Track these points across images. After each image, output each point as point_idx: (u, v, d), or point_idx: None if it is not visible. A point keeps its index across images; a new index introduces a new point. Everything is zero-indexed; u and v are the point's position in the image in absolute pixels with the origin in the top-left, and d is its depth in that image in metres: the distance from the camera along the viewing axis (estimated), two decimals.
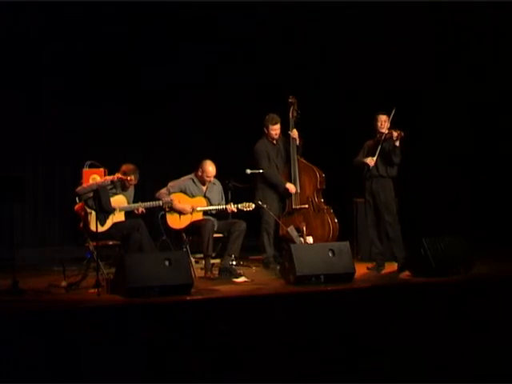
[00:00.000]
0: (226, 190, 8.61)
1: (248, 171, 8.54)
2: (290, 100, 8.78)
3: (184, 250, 8.07)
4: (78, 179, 8.45)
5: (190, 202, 8.22)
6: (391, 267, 8.28)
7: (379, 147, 8.23)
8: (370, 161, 8.28)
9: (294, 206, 8.64)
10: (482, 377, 5.60)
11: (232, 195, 8.70)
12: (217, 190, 8.44)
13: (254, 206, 8.22)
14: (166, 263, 6.90)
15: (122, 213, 7.84)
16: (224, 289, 7.37)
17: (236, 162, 9.07)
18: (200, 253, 8.19)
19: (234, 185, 8.76)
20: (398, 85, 10.13)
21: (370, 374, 5.73)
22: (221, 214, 8.32)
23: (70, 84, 10.04)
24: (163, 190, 8.22)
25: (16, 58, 9.77)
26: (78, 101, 10.11)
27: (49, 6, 9.48)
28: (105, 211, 7.56)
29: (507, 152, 10.13)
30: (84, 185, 7.92)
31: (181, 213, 8.16)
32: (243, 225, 8.13)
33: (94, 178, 8.21)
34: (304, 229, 8.38)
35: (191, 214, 8.17)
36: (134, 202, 7.96)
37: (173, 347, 5.79)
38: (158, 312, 6.33)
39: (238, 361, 5.75)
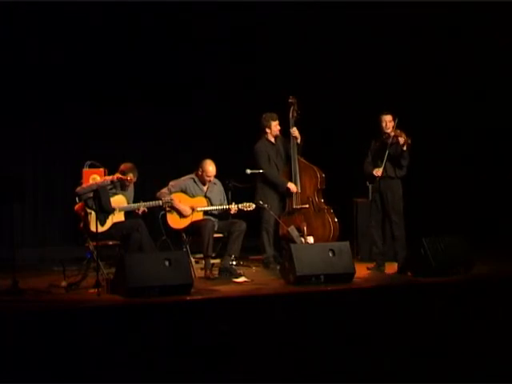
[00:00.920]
0: (226, 189, 8.60)
1: (248, 171, 8.55)
2: (290, 100, 8.78)
3: (184, 250, 8.07)
4: (78, 179, 8.44)
5: (191, 202, 8.22)
6: (391, 267, 8.27)
7: (386, 153, 8.22)
8: (377, 171, 8.28)
9: (294, 206, 8.64)
10: (482, 377, 5.60)
11: (232, 195, 8.70)
12: (218, 190, 8.44)
13: (254, 206, 8.22)
14: (166, 263, 6.90)
15: (122, 213, 7.84)
16: (224, 289, 7.37)
17: (236, 162, 9.07)
18: (200, 253, 8.19)
19: (234, 185, 8.76)
20: (398, 84, 10.12)
21: (370, 374, 5.73)
22: (222, 215, 8.32)
23: (69, 84, 10.02)
24: (164, 190, 8.23)
25: (16, 58, 9.76)
26: (78, 101, 10.10)
27: (49, 6, 9.48)
28: (105, 211, 7.56)
29: (507, 152, 10.13)
30: (84, 185, 7.92)
31: (181, 213, 8.17)
32: (243, 225, 8.13)
33: (94, 178, 8.21)
34: (304, 229, 8.38)
35: (191, 215, 8.17)
36: (134, 202, 7.96)
37: (173, 347, 5.79)
38: (158, 312, 6.33)
39: (238, 361, 5.75)
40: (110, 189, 7.76)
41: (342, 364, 5.85)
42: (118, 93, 10.24)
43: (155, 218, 8.28)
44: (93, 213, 7.53)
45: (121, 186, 7.87)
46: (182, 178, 8.39)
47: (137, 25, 10.16)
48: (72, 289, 7.23)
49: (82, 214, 7.69)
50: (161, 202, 8.01)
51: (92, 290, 7.01)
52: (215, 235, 8.16)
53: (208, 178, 8.26)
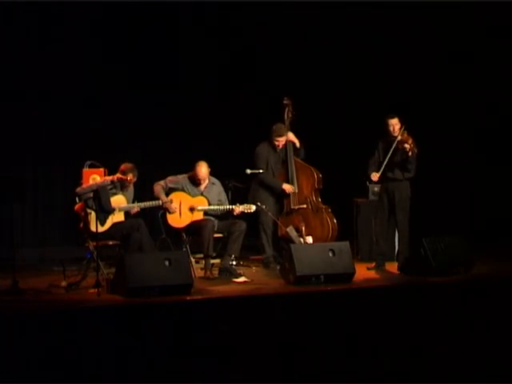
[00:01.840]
0: (226, 190, 8.61)
1: (248, 171, 8.55)
2: (284, 102, 8.78)
3: (184, 249, 8.07)
4: (78, 179, 8.44)
5: (192, 201, 8.22)
6: (391, 267, 8.28)
7: (387, 158, 8.22)
8: (374, 176, 8.29)
9: (292, 207, 8.63)
10: (482, 377, 5.60)
11: (232, 195, 8.70)
12: (216, 190, 8.43)
13: (254, 208, 8.21)
14: (166, 263, 6.90)
15: (122, 213, 7.84)
16: (224, 289, 7.38)
17: (236, 162, 9.07)
18: (200, 253, 8.19)
19: (234, 185, 8.76)
20: (397, 84, 10.12)
21: (370, 374, 5.73)
22: (224, 215, 8.31)
23: (69, 84, 10.02)
24: (161, 182, 8.23)
25: (16, 58, 9.76)
26: (78, 101, 10.10)
27: (48, 6, 9.48)
28: (105, 211, 7.57)
29: (507, 152, 10.12)
30: (84, 185, 7.92)
31: (181, 212, 8.17)
32: (243, 225, 8.13)
33: (94, 178, 8.21)
34: (303, 229, 8.38)
35: (192, 213, 8.17)
36: (134, 201, 7.97)
37: (173, 347, 5.79)
38: (158, 312, 6.33)
39: (238, 361, 5.75)
40: (110, 189, 7.76)
41: (342, 364, 5.85)
42: (118, 93, 10.24)
43: (155, 218, 8.28)
44: (93, 213, 7.53)
45: (121, 186, 7.87)
46: (179, 176, 8.37)
47: (137, 25, 10.16)
48: (72, 289, 7.23)
49: (82, 214, 7.69)
50: (160, 202, 8.02)
51: (92, 290, 7.01)
52: (215, 235, 8.16)
53: (199, 180, 8.25)
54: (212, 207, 8.23)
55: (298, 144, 8.72)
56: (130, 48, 10.27)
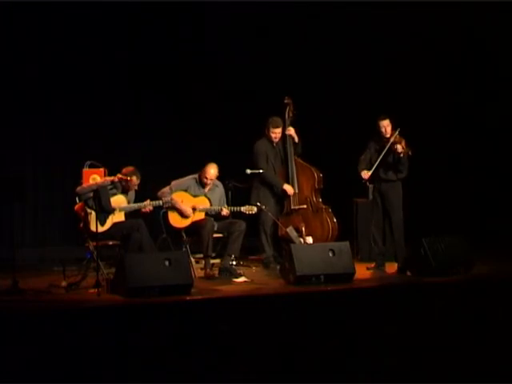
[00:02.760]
0: (226, 190, 8.61)
1: (248, 171, 8.55)
2: (285, 101, 8.78)
3: (184, 249, 8.07)
4: (78, 179, 8.44)
5: (193, 201, 8.22)
6: (391, 267, 8.28)
7: (379, 158, 8.22)
8: (365, 174, 8.30)
9: (292, 207, 8.63)
10: (482, 377, 5.60)
11: (232, 195, 8.70)
12: (218, 192, 8.44)
13: (255, 209, 8.21)
14: (166, 263, 6.90)
15: (122, 213, 7.84)
16: (224, 289, 7.38)
17: (236, 162, 9.06)
18: (200, 253, 8.19)
19: (234, 185, 8.77)
20: (397, 84, 10.12)
21: (370, 374, 5.73)
22: (215, 216, 8.31)
23: (69, 84, 10.02)
24: (165, 189, 8.24)
25: (16, 58, 9.76)
26: (78, 100, 10.09)
27: (48, 6, 9.47)
28: (105, 211, 7.57)
29: (507, 151, 10.12)
30: (84, 185, 7.91)
31: (182, 212, 8.17)
32: (243, 225, 8.13)
33: (94, 178, 8.20)
34: (303, 229, 8.38)
35: (192, 216, 8.17)
36: (135, 202, 7.96)
37: (173, 347, 5.79)
38: (158, 312, 6.33)
39: (238, 361, 5.75)
40: (111, 189, 7.76)
41: (342, 364, 5.85)
42: (118, 93, 10.24)
43: (155, 218, 8.28)
44: (93, 213, 7.53)
45: (123, 188, 7.86)
46: (184, 178, 8.39)
47: (137, 24, 10.15)
48: (72, 289, 7.23)
49: (82, 214, 7.69)
50: (161, 202, 8.02)
51: (92, 290, 7.01)
52: (215, 235, 8.17)
53: (206, 180, 8.26)
54: (210, 207, 8.23)
55: (296, 139, 8.72)
56: (131, 47, 10.27)
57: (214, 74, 10.58)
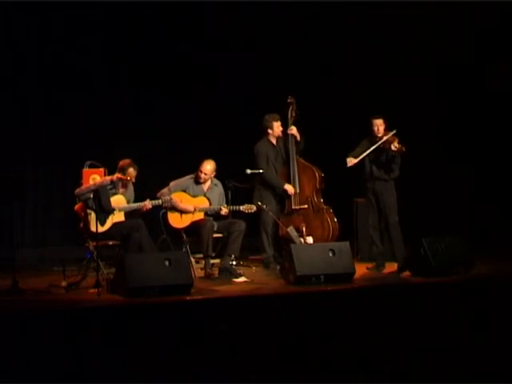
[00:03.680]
0: (226, 189, 8.61)
1: (248, 171, 8.55)
2: (288, 100, 8.78)
3: (184, 250, 8.07)
4: (78, 179, 8.44)
5: (192, 202, 8.23)
6: (391, 267, 8.27)
7: (368, 151, 8.22)
8: (350, 161, 8.28)
9: (293, 207, 8.63)
10: (482, 377, 5.60)
11: (232, 195, 8.70)
12: (217, 191, 8.44)
13: (255, 208, 8.21)
14: (166, 263, 6.90)
15: (122, 213, 7.84)
16: (224, 289, 7.38)
17: (236, 162, 9.06)
18: (200, 253, 8.19)
19: (234, 185, 8.76)
20: (396, 84, 10.12)
21: (370, 374, 5.73)
22: (215, 215, 8.31)
23: (69, 84, 10.02)
24: (164, 190, 8.24)
25: (15, 58, 9.76)
26: (78, 101, 10.10)
27: (48, 6, 9.47)
28: (105, 211, 7.56)
29: (507, 151, 10.12)
30: (83, 186, 7.89)
31: (183, 212, 8.17)
32: (243, 225, 8.13)
33: (94, 178, 8.19)
34: (304, 229, 8.38)
35: (193, 213, 8.18)
36: (135, 202, 7.96)
37: (173, 347, 5.79)
38: (158, 312, 6.33)
39: (238, 361, 5.75)
40: (110, 189, 7.76)
41: (342, 364, 5.85)
42: (118, 93, 10.24)
43: (155, 218, 8.28)
44: (93, 213, 7.53)
45: (122, 185, 7.87)
46: (183, 178, 8.40)
47: (137, 24, 10.15)
48: (72, 289, 7.23)
49: (82, 214, 7.69)
50: (160, 201, 8.02)
51: (92, 290, 7.01)
52: (215, 235, 8.17)
53: (201, 174, 8.24)
54: (207, 207, 8.23)
55: (298, 137, 8.72)
56: (131, 47, 10.27)
57: (213, 74, 10.58)
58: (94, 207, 7.42)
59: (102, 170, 8.32)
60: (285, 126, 8.74)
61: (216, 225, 8.21)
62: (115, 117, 10.29)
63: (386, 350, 6.03)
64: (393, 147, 8.15)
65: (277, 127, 8.66)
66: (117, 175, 7.77)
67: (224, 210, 8.20)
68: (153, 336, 5.82)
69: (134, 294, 6.65)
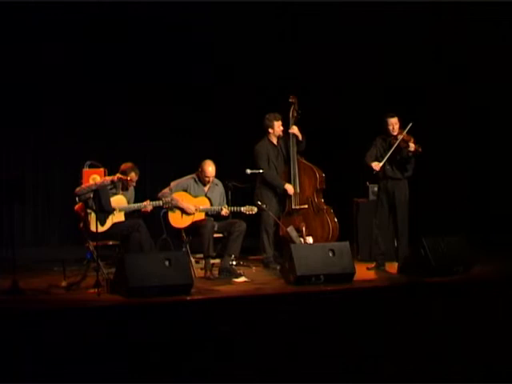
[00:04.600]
0: (226, 189, 8.61)
1: (248, 171, 8.55)
2: (290, 100, 8.78)
3: (184, 249, 8.07)
4: (78, 179, 8.44)
5: (193, 202, 8.23)
6: (391, 267, 8.28)
7: (389, 153, 8.24)
8: (376, 165, 8.29)
9: (293, 207, 8.64)
10: (482, 377, 5.60)
11: (232, 195, 8.70)
12: (218, 191, 8.44)
13: (256, 209, 8.21)
14: (166, 263, 6.90)
15: (122, 213, 7.84)
16: (224, 289, 7.38)
17: (236, 162, 9.07)
18: (200, 253, 8.19)
19: (234, 185, 8.77)
20: (399, 82, 10.12)
21: (370, 374, 5.73)
22: (215, 216, 8.31)
23: (70, 84, 10.03)
24: (165, 190, 8.25)
25: (15, 58, 9.76)
26: (79, 100, 10.10)
27: (48, 6, 9.48)
28: (105, 211, 7.56)
29: (507, 151, 10.12)
30: (83, 186, 7.90)
31: (184, 211, 8.17)
32: (243, 225, 8.13)
33: (94, 178, 8.20)
34: (304, 229, 8.38)
35: (194, 213, 8.18)
36: (135, 202, 7.96)
37: (173, 347, 5.79)
38: (158, 312, 6.33)
39: (238, 361, 5.75)
40: (110, 189, 7.76)
41: (342, 364, 5.85)
42: (118, 93, 10.25)
43: (156, 218, 8.28)
44: (93, 213, 7.53)
45: (122, 186, 7.87)
46: (184, 178, 8.40)
47: (136, 24, 10.16)
48: (72, 289, 7.23)
49: (82, 214, 7.69)
50: (161, 202, 8.01)
51: (92, 290, 7.01)
52: (215, 235, 8.17)
53: (207, 179, 8.27)
54: (208, 207, 8.23)
55: (300, 137, 8.72)
56: (131, 47, 10.28)
57: (214, 73, 10.59)
58: (94, 207, 7.42)
59: (102, 169, 8.33)
60: (286, 126, 8.74)
61: (216, 225, 8.21)
62: (115, 117, 10.29)
63: (386, 350, 6.03)
64: (410, 147, 8.16)
65: (277, 126, 8.67)
66: (118, 175, 7.77)
67: (225, 211, 8.21)
68: (153, 336, 5.81)
69: (133, 294, 6.65)
